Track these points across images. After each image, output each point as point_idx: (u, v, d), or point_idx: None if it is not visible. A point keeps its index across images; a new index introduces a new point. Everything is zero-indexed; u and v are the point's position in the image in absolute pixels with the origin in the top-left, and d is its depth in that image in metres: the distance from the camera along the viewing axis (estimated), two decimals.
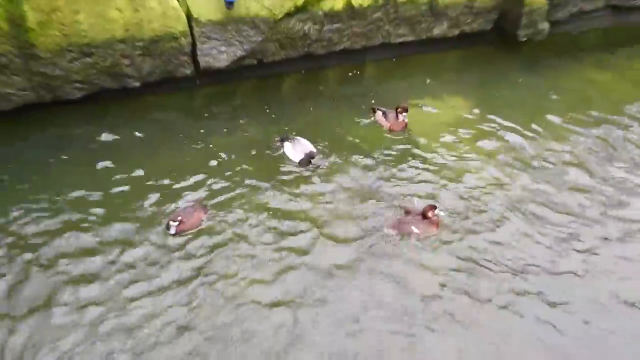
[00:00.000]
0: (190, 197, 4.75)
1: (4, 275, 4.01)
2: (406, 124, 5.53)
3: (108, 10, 5.36)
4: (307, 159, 5.14)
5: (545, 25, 6.51)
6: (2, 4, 5.04)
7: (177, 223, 4.39)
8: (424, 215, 4.44)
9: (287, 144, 5.29)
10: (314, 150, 5.21)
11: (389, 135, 5.53)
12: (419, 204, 4.65)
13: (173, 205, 4.65)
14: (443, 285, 4.04)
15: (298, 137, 5.31)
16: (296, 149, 5.22)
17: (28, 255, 4.16)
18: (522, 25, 6.42)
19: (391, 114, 5.58)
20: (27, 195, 4.72)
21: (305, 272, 4.12)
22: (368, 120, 5.70)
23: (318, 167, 5.13)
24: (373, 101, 5.94)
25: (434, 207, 4.44)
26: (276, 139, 5.38)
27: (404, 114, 5.49)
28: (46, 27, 5.24)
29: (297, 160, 5.17)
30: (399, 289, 4.01)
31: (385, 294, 3.97)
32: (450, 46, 6.83)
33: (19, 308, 3.82)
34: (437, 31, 6.59)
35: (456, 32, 6.67)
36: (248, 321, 3.79)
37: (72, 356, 3.54)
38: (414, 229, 4.42)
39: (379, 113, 5.66)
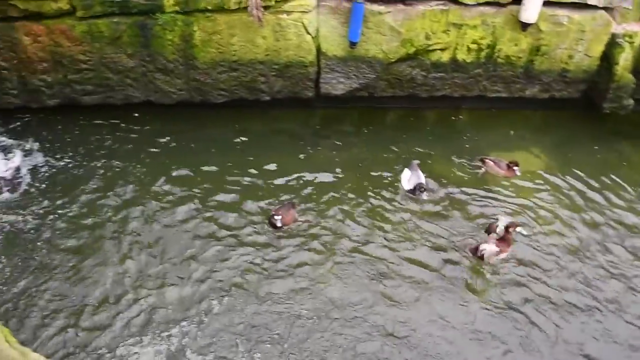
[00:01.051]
0: (293, 196, 6.09)
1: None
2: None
3: (256, 38, 6.75)
4: (417, 190, 6.13)
5: (630, 102, 7.31)
6: (179, 25, 6.55)
7: (280, 217, 5.61)
8: (506, 229, 5.36)
9: (406, 170, 6.35)
10: (424, 182, 6.19)
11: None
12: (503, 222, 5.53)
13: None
14: None
15: (418, 169, 6.30)
16: (411, 179, 6.24)
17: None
18: (608, 98, 7.28)
19: (502, 164, 6.56)
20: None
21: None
22: (480, 172, 6.70)
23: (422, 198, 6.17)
24: (477, 157, 6.86)
25: (516, 225, 5.36)
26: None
27: (517, 167, 6.47)
28: (207, 45, 6.71)
29: (407, 189, 6.23)
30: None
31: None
32: (538, 106, 7.75)
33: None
34: (528, 92, 7.55)
35: (546, 95, 7.59)
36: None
37: None
38: (486, 248, 5.36)
39: (489, 163, 6.62)
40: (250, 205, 6.02)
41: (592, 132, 7.47)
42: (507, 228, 5.41)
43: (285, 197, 6.14)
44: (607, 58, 7.21)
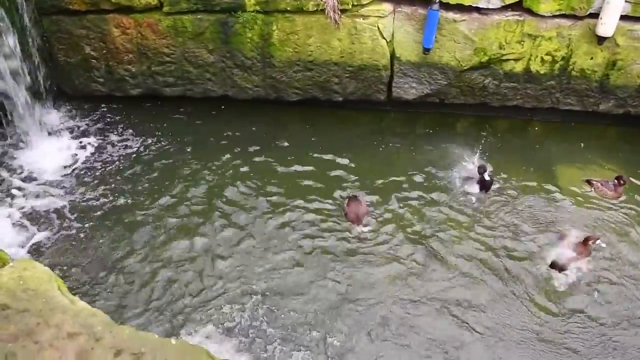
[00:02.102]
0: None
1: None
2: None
3: (332, 40, 7.07)
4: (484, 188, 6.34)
5: None
6: (259, 24, 6.94)
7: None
8: (584, 242, 5.48)
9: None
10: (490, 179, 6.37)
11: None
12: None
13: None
14: None
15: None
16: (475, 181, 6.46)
17: None
18: None
19: (609, 184, 6.69)
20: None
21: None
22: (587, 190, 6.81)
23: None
24: (584, 178, 6.97)
25: (595, 238, 5.47)
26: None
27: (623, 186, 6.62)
28: (284, 45, 7.07)
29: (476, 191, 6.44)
30: None
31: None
32: (612, 121, 7.82)
33: None
34: (602, 107, 7.63)
35: (620, 111, 7.66)
36: None
37: None
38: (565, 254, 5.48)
39: (597, 184, 6.74)
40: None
41: None
42: (586, 240, 5.50)
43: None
44: None
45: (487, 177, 6.35)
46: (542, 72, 7.34)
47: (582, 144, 7.53)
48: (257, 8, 6.84)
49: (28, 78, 6.58)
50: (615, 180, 6.66)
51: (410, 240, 5.89)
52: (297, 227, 5.91)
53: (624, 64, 7.24)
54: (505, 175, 6.86)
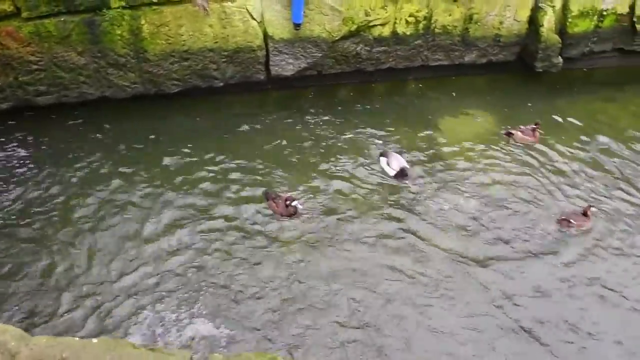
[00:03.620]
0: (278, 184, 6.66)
1: None
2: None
3: (203, 26, 7.34)
4: (402, 174, 6.54)
5: (559, 60, 8.32)
6: (127, 19, 7.06)
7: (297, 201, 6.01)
8: (584, 213, 6.12)
9: (382, 159, 6.78)
10: (407, 165, 6.59)
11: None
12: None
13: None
14: None
15: (394, 153, 6.76)
16: (392, 163, 6.64)
17: None
18: (539, 58, 8.28)
19: (528, 130, 7.28)
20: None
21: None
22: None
23: (410, 182, 6.58)
24: (503, 128, 7.55)
25: (590, 206, 6.12)
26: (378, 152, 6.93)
27: (539, 130, 7.24)
28: (156, 37, 7.24)
29: (392, 175, 6.62)
30: None
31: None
32: (479, 72, 8.68)
33: None
34: (467, 58, 8.45)
35: (484, 60, 8.52)
36: None
37: None
38: (573, 222, 6.10)
39: (518, 134, 7.27)
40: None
41: (528, 90, 8.45)
42: (584, 212, 6.13)
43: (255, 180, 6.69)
44: (534, 21, 8.21)
45: (407, 179, 6.60)
46: (408, 33, 8.03)
47: (454, 93, 8.32)
48: (123, 4, 6.96)
49: None
50: (534, 125, 7.32)
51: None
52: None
53: (480, 17, 8.07)
54: (393, 137, 7.44)
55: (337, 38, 7.76)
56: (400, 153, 6.94)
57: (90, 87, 7.37)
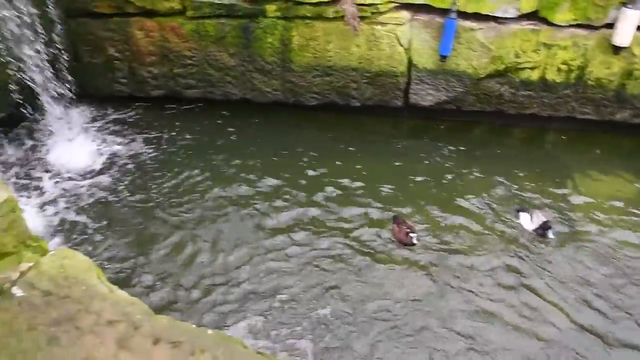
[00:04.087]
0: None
1: None
2: None
3: (351, 46, 7.49)
4: (543, 228, 6.19)
5: None
6: (279, 29, 7.37)
7: (415, 234, 5.96)
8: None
9: (522, 214, 6.42)
10: (548, 219, 6.22)
11: None
12: None
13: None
14: None
15: (535, 210, 6.44)
16: (533, 219, 6.31)
17: None
18: None
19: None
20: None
21: None
22: None
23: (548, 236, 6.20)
24: None
25: None
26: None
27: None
28: (304, 50, 7.50)
29: (531, 229, 6.26)
30: None
31: None
32: (630, 132, 8.09)
33: None
34: (619, 116, 7.96)
35: (637, 120, 8.00)
36: None
37: None
38: None
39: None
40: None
41: None
42: None
43: (379, 202, 6.66)
44: None
45: (550, 233, 6.24)
46: (558, 80, 7.71)
47: (598, 151, 7.84)
48: (278, 14, 7.28)
49: (54, 77, 7.05)
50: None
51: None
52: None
53: None
54: (523, 184, 7.13)
55: (482, 76, 7.61)
56: (539, 208, 6.60)
57: (235, 87, 7.76)
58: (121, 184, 6.68)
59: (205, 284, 5.49)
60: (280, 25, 7.35)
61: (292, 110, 7.95)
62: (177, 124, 7.71)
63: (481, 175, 7.23)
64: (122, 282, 5.35)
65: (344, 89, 7.75)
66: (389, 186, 6.90)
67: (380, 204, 6.60)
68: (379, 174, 7.08)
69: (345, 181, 6.93)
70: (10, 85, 6.58)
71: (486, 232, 6.35)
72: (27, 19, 6.46)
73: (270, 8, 7.23)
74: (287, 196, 6.62)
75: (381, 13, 7.32)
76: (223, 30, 7.38)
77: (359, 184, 6.90)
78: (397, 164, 7.31)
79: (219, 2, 7.20)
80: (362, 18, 7.29)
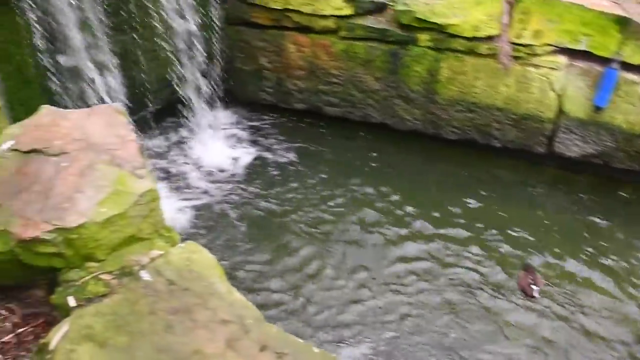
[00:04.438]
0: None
1: None
2: None
3: (499, 84, 7.30)
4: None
5: None
6: (428, 59, 7.31)
7: (538, 289, 5.75)
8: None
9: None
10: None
11: None
12: None
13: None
14: None
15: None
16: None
17: None
18: None
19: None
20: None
21: None
22: None
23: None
24: None
25: None
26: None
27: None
28: (450, 83, 7.41)
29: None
30: None
31: None
32: None
33: None
34: None
35: None
36: None
37: None
38: None
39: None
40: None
41: None
42: None
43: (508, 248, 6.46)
44: None
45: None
46: None
47: None
48: (430, 44, 7.25)
49: (207, 79, 7.46)
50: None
51: None
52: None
53: None
54: None
55: (638, 133, 7.16)
56: None
57: (376, 111, 7.81)
58: (256, 189, 6.90)
59: (323, 302, 5.54)
60: (430, 55, 7.31)
61: (429, 142, 7.86)
62: (317, 139, 7.87)
63: (622, 236, 6.77)
64: (239, 283, 5.52)
65: (486, 127, 7.57)
66: (522, 233, 6.66)
67: (510, 249, 6.43)
68: (511, 219, 6.86)
69: (476, 221, 6.78)
70: (170, 81, 7.01)
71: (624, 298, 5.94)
72: (193, 27, 6.88)
73: (423, 37, 7.22)
74: (418, 226, 6.61)
75: (537, 55, 7.10)
76: (372, 54, 7.46)
77: (489, 225, 6.74)
78: (532, 211, 7.04)
79: (372, 25, 7.30)
80: (515, 58, 7.10)
